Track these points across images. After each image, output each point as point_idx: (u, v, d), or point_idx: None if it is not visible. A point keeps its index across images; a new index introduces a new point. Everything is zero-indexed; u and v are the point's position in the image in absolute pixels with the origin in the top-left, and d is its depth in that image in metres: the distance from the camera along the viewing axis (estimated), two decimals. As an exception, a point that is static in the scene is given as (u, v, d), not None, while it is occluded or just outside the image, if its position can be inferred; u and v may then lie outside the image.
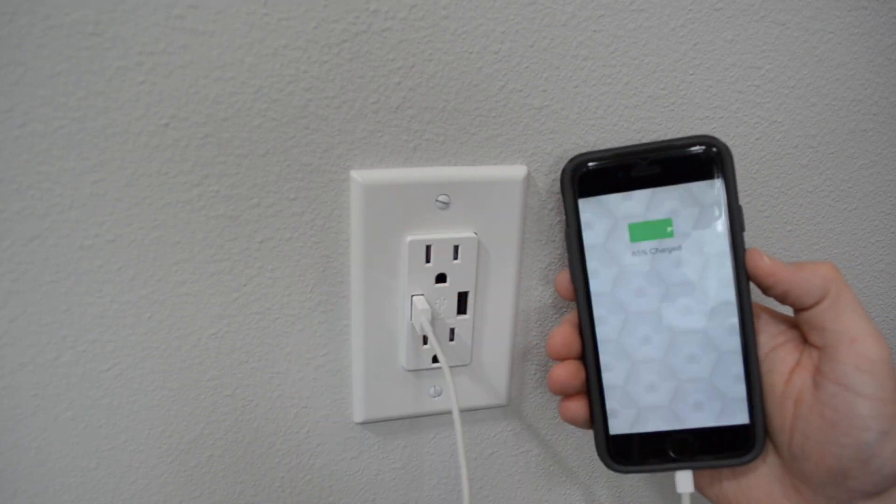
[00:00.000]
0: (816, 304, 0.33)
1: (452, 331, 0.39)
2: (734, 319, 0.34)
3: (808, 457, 0.33)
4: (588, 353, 0.36)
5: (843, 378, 0.31)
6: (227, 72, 0.31)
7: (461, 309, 0.38)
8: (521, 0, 0.34)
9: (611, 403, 0.36)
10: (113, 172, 0.32)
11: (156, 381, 0.36)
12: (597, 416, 0.36)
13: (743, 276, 0.34)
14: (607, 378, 0.36)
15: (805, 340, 0.34)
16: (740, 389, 0.35)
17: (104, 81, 0.30)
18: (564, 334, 0.36)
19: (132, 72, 0.30)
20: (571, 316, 0.36)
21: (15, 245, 0.32)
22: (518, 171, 0.37)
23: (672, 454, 0.36)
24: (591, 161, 0.35)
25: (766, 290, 0.34)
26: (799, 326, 0.34)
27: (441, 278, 0.37)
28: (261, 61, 0.31)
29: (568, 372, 0.36)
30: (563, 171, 0.35)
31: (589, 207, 0.35)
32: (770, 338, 0.35)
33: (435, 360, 0.39)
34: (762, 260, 0.34)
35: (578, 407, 0.36)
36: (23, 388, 0.34)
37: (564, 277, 0.36)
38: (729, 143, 0.40)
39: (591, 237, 0.35)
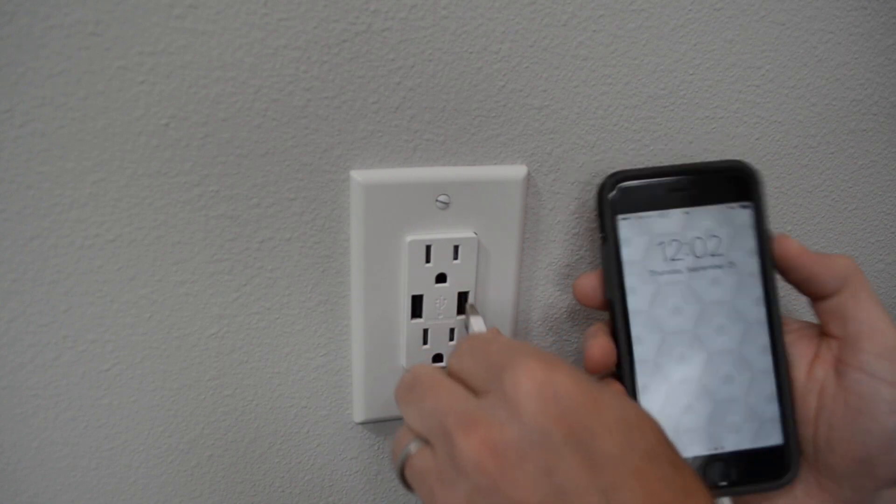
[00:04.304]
0: (837, 292, 0.33)
1: (452, 331, 0.39)
2: (766, 339, 0.35)
3: (834, 448, 0.33)
4: (625, 374, 0.35)
5: (866, 365, 0.32)
6: (227, 72, 0.31)
7: (461, 309, 0.38)
8: (521, 0, 0.34)
9: None
10: (113, 172, 0.32)
11: (156, 381, 0.36)
12: None
13: (774, 295, 0.35)
14: (645, 401, 0.35)
15: (822, 333, 0.35)
16: (774, 409, 0.34)
17: (104, 81, 0.30)
18: (603, 349, 0.34)
19: (132, 72, 0.30)
20: (605, 326, 0.35)
21: (15, 245, 0.32)
22: (518, 171, 0.37)
23: (710, 481, 0.34)
24: (629, 178, 0.35)
25: (789, 274, 0.35)
26: (819, 316, 0.35)
27: (441, 278, 0.37)
28: (261, 61, 0.31)
29: None
30: (602, 187, 0.35)
31: (626, 224, 0.35)
32: (785, 334, 0.35)
33: (435, 359, 0.39)
34: (792, 244, 0.34)
35: None
36: (23, 388, 0.34)
37: (588, 283, 0.35)
38: (729, 144, 0.40)
39: (629, 254, 0.35)
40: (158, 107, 0.31)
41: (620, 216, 0.35)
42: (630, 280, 0.35)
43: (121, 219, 0.33)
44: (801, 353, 0.35)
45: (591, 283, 0.36)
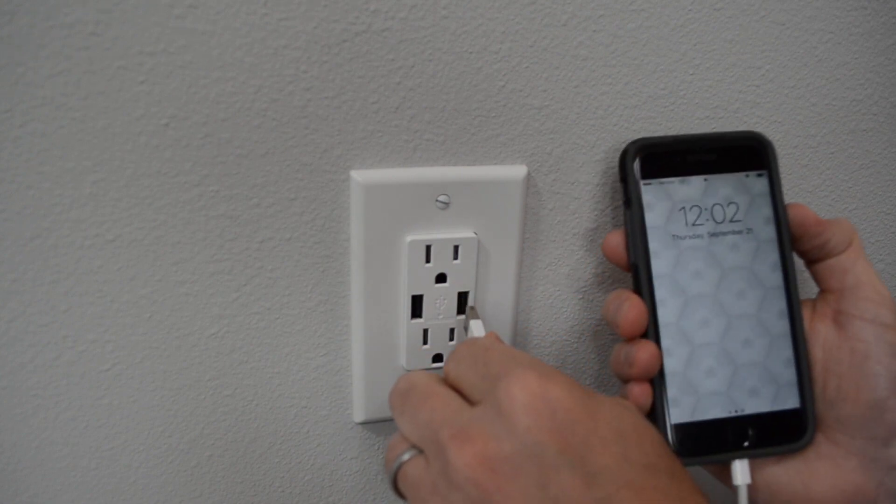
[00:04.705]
0: (843, 251, 0.35)
1: (452, 331, 0.39)
2: (783, 304, 0.36)
3: (844, 398, 0.34)
4: (649, 337, 0.35)
5: (867, 312, 0.33)
6: (227, 72, 0.31)
7: (461, 309, 0.38)
8: (521, 0, 0.34)
9: (672, 391, 0.35)
10: (113, 172, 0.32)
11: (156, 381, 0.36)
12: (658, 404, 0.35)
13: (790, 261, 0.36)
14: (668, 363, 0.35)
15: (819, 291, 0.36)
16: (791, 373, 0.35)
17: (104, 81, 0.30)
18: (640, 309, 0.34)
19: (132, 72, 0.30)
20: (629, 291, 0.35)
21: (15, 245, 0.32)
22: (518, 171, 0.37)
23: (730, 443, 0.35)
24: (651, 144, 0.35)
25: (805, 241, 0.35)
26: (817, 274, 0.36)
27: (441, 278, 0.37)
28: (261, 61, 0.31)
29: (651, 353, 0.34)
30: (625, 152, 0.35)
31: (649, 190, 0.35)
32: None
33: (435, 360, 0.39)
34: (808, 211, 0.35)
35: (644, 393, 0.34)
36: (23, 388, 0.34)
37: (616, 240, 0.35)
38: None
39: (652, 218, 0.35)
40: (158, 107, 0.31)
41: (643, 181, 0.35)
42: (654, 244, 0.35)
43: (121, 219, 0.33)
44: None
45: (618, 240, 0.36)
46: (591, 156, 0.38)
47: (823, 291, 0.36)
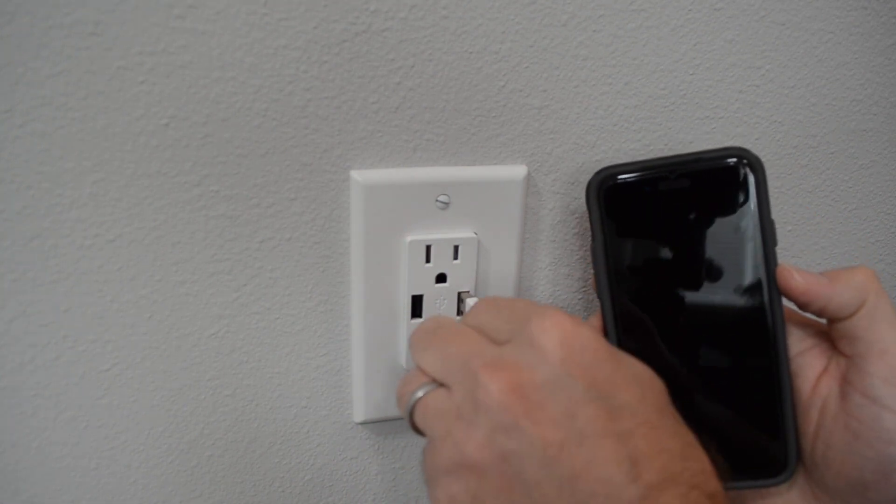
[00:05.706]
0: (852, 315, 0.31)
1: (452, 331, 0.39)
2: (766, 335, 0.34)
3: (829, 465, 0.32)
4: None
5: (871, 390, 0.31)
6: (227, 72, 0.31)
7: (461, 309, 0.38)
8: (521, 0, 0.34)
9: None
10: (113, 172, 0.32)
11: (156, 381, 0.36)
12: None
13: (775, 292, 0.33)
14: None
15: (834, 348, 0.33)
16: (773, 409, 0.34)
17: (104, 81, 0.30)
18: None
19: (132, 72, 0.30)
20: (595, 320, 0.35)
21: (15, 245, 0.32)
22: (518, 171, 0.37)
23: None
24: (618, 174, 0.34)
25: (802, 308, 0.33)
26: (829, 334, 0.33)
27: (441, 278, 0.37)
28: (261, 61, 0.31)
29: None
30: (589, 184, 0.34)
31: (616, 221, 0.34)
32: (797, 341, 0.34)
33: (435, 360, 0.39)
34: (793, 279, 0.32)
35: None
36: (23, 388, 0.34)
37: None
38: (728, 144, 0.40)
39: (621, 252, 0.34)
40: (158, 107, 0.31)
41: (610, 214, 0.34)
42: (619, 279, 0.34)
43: (121, 219, 0.33)
44: (810, 364, 0.34)
45: None
46: (591, 156, 0.38)
47: (837, 351, 0.33)
